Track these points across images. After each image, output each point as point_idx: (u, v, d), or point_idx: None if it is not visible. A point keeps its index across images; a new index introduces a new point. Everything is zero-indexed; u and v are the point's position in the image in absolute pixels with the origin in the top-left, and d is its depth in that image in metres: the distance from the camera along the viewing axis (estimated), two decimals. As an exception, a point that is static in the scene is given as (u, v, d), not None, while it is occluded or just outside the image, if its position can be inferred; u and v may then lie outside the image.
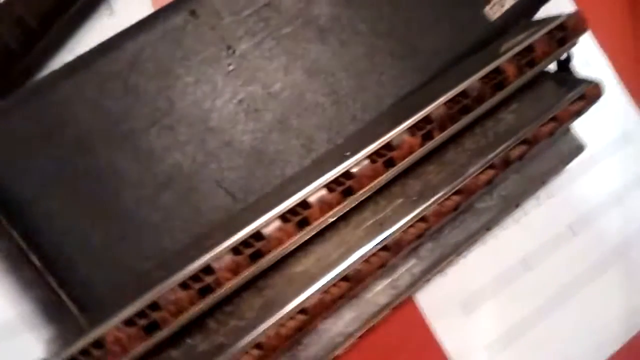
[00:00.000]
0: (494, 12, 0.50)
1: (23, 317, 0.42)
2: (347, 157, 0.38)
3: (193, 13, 0.41)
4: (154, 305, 0.33)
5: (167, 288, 0.33)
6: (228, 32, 0.42)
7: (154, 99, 0.40)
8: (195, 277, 0.34)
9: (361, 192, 0.38)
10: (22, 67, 0.40)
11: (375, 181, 0.39)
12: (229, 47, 0.42)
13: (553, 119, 0.46)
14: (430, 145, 0.41)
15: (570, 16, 0.46)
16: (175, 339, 0.36)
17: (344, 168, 0.38)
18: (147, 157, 0.39)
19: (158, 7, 0.43)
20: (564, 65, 0.50)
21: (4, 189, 0.36)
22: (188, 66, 0.41)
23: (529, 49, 0.44)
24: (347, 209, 0.39)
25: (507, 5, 0.50)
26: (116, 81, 0.39)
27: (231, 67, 0.42)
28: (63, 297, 0.36)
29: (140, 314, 0.33)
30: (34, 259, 0.37)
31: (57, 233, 0.37)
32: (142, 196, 0.38)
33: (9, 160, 0.37)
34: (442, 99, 0.41)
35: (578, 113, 0.48)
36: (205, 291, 0.34)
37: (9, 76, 0.40)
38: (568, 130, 0.53)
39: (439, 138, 0.41)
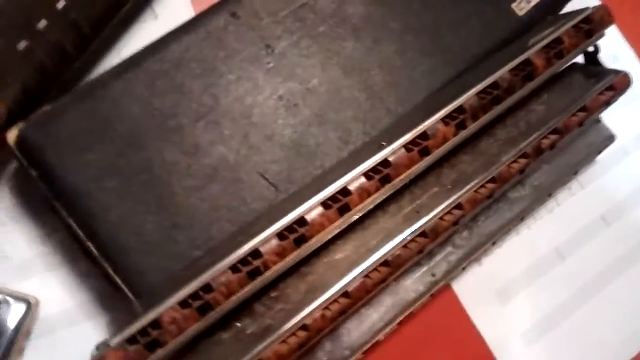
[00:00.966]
0: (520, 8, 0.51)
1: (81, 306, 0.44)
2: (384, 147, 0.40)
3: (234, 15, 0.44)
4: (207, 288, 0.35)
5: (218, 271, 0.35)
6: (267, 32, 0.44)
7: (200, 95, 0.42)
8: (244, 261, 0.36)
9: (398, 179, 0.40)
10: (76, 68, 0.43)
11: (412, 169, 0.40)
12: (268, 46, 0.44)
13: (583, 108, 0.47)
14: (463, 134, 0.42)
15: (596, 9, 0.47)
16: (225, 323, 0.38)
17: (381, 157, 0.39)
18: (194, 150, 0.41)
19: (199, 10, 0.45)
20: (592, 58, 0.51)
21: (62, 181, 0.39)
22: (230, 65, 0.43)
23: (557, 41, 0.45)
24: (385, 196, 0.40)
25: (533, 2, 0.51)
26: (164, 79, 0.41)
27: (271, 65, 0.44)
28: (119, 283, 0.38)
29: (194, 295, 0.35)
30: (91, 247, 0.39)
31: (112, 222, 0.39)
32: (191, 187, 0.40)
33: (66, 154, 0.39)
34: (474, 90, 0.42)
35: (607, 103, 0.48)
36: (254, 274, 0.36)
37: (65, 76, 0.42)
38: (598, 121, 0.54)
39: (472, 127, 0.42)
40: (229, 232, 0.40)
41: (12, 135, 0.39)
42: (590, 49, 0.50)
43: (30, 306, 0.41)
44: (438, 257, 0.47)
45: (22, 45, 0.38)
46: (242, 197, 0.41)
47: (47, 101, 0.40)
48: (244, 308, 0.39)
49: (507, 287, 0.52)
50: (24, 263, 0.43)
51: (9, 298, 0.41)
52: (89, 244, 0.39)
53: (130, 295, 0.38)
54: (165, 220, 0.40)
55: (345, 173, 0.39)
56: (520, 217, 0.50)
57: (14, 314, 0.41)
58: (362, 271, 0.39)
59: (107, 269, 0.39)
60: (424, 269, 0.46)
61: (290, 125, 0.43)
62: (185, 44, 0.42)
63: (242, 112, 0.42)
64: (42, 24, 0.38)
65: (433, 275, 0.46)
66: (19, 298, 0.41)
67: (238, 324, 0.39)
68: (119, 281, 0.39)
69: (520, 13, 0.51)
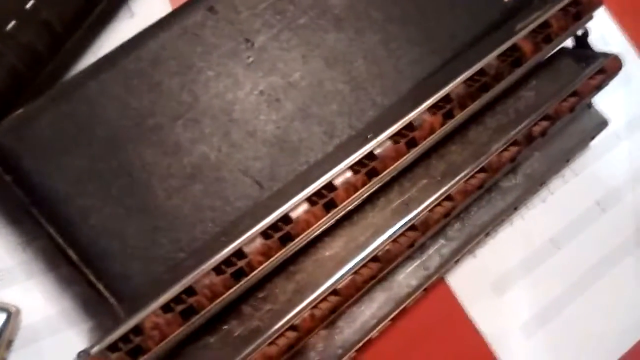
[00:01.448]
0: (507, -7, 0.50)
1: (64, 313, 0.43)
2: (370, 139, 0.39)
3: (212, 9, 0.42)
4: (190, 291, 0.34)
5: (201, 273, 0.34)
6: (246, 26, 0.43)
7: (178, 93, 0.41)
8: (228, 262, 0.35)
9: (385, 172, 0.39)
10: (50, 69, 0.41)
11: (399, 161, 0.39)
12: (247, 40, 0.43)
13: (573, 93, 0.46)
14: (451, 123, 0.41)
15: (584, -9, 0.46)
16: (211, 326, 0.37)
17: (367, 150, 0.38)
18: (175, 150, 0.40)
19: (176, 6, 0.44)
20: (582, 41, 0.50)
21: (40, 187, 0.37)
22: (209, 61, 0.42)
23: (545, 25, 0.44)
24: (372, 190, 0.39)
25: (519, -14, 0.50)
26: (141, 78, 0.40)
27: (251, 60, 0.43)
28: (101, 289, 0.37)
29: (177, 299, 0.34)
30: (72, 254, 0.37)
31: (92, 228, 0.38)
32: (172, 188, 0.39)
33: (42, 159, 0.38)
34: (461, 78, 0.41)
35: (598, 87, 0.47)
36: (239, 275, 0.35)
37: (39, 78, 0.41)
38: (590, 106, 0.53)
39: (459, 116, 0.41)
40: (213, 232, 0.39)
41: (-16, 141, 0.38)
42: (580, 32, 0.49)
43: (11, 316, 0.40)
44: (430, 251, 0.46)
45: (-9, 48, 0.37)
46: (226, 196, 0.40)
47: (21, 105, 0.39)
48: (231, 310, 0.38)
49: (503, 279, 0.51)
50: (4, 272, 0.42)
51: (-13, 309, 0.40)
52: (69, 250, 0.38)
53: (113, 300, 0.37)
54: (147, 223, 0.38)
55: (331, 168, 0.38)
56: (514, 207, 0.50)
57: (-6, 325, 0.40)
58: (352, 268, 0.39)
59: (88, 276, 0.38)
60: (417, 263, 0.46)
61: (272, 120, 0.42)
62: (162, 41, 0.41)
63: (222, 109, 0.41)
64: (11, 25, 0.37)
65: (426, 269, 0.46)
66: (-1, 308, 0.40)
67: (225, 327, 0.38)
68: (100, 287, 0.37)
69: (507, -2, 0.50)
